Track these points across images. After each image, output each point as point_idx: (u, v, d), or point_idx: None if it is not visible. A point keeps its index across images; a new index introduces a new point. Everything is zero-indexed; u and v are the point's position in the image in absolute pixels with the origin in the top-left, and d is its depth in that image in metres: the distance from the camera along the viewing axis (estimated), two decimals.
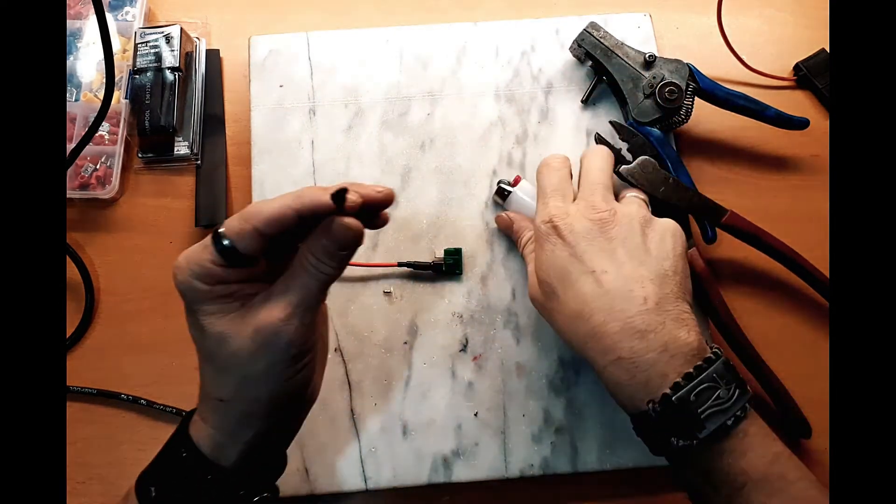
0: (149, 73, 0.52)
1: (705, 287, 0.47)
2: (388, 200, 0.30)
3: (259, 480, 0.33)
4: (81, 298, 0.49)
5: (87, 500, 0.45)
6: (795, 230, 0.49)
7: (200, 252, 0.28)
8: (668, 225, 0.40)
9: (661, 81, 0.49)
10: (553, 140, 0.52)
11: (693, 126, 0.53)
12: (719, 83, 0.51)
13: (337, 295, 0.48)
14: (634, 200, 0.42)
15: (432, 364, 0.47)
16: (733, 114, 0.52)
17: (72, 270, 0.49)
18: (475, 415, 0.46)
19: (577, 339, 0.37)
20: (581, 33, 0.51)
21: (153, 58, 0.52)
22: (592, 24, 0.52)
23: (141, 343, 0.49)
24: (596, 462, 0.45)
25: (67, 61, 0.54)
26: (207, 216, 0.51)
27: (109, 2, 0.56)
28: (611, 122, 0.50)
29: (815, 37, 0.57)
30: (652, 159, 0.46)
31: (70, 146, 0.48)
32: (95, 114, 0.46)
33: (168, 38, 0.53)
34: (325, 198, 0.27)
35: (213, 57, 0.56)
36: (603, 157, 0.44)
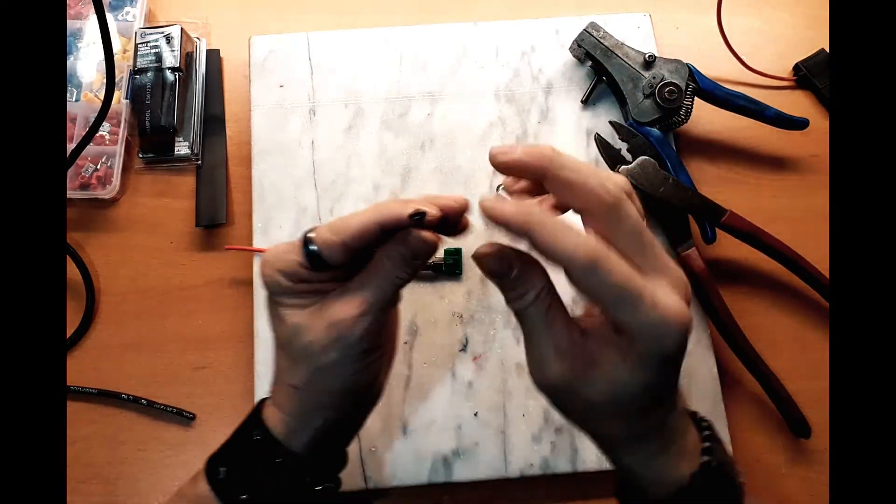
0: (149, 74, 0.52)
1: (705, 287, 0.47)
2: (463, 209, 0.32)
3: (324, 470, 0.34)
4: (81, 298, 0.49)
5: (87, 500, 0.45)
6: (795, 230, 0.49)
7: (289, 251, 0.30)
8: None
9: (661, 81, 0.49)
10: (553, 140, 0.52)
11: (693, 126, 0.53)
12: (719, 83, 0.51)
13: None
14: None
15: (432, 364, 0.47)
16: (733, 114, 0.52)
17: (72, 270, 0.49)
18: (475, 415, 0.46)
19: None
20: (581, 33, 0.52)
21: (153, 58, 0.52)
22: (592, 25, 0.52)
23: (141, 343, 0.49)
24: (596, 462, 0.45)
25: (68, 61, 0.54)
26: (208, 216, 0.51)
27: (110, 2, 0.56)
28: (611, 122, 0.50)
29: (815, 37, 0.58)
30: (652, 159, 0.46)
31: (70, 146, 0.48)
32: (96, 114, 0.46)
33: (168, 39, 0.53)
34: (405, 213, 0.29)
35: (214, 57, 0.56)
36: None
